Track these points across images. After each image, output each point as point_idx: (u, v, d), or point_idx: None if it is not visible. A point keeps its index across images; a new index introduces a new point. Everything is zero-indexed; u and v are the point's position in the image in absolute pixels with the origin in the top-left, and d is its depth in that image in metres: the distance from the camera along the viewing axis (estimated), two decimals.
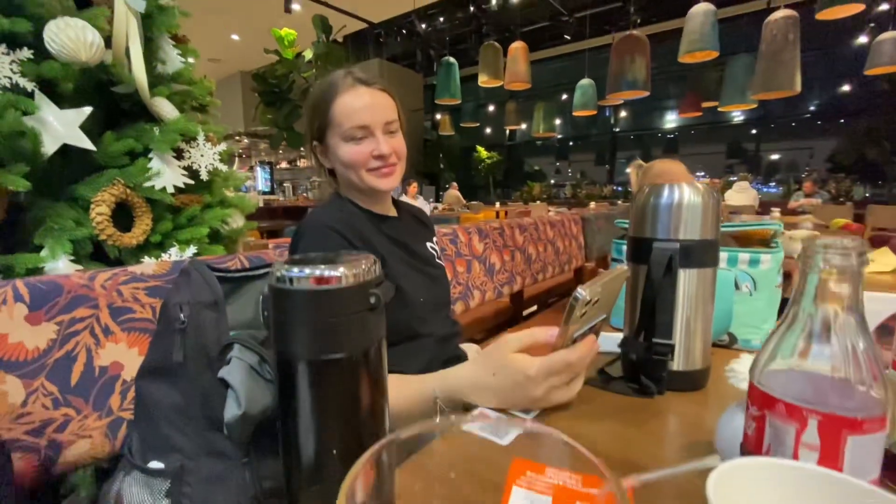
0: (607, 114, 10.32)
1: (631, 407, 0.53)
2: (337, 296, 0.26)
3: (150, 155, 1.07)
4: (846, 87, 7.70)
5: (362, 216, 0.83)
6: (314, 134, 0.83)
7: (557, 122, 9.26)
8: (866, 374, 0.24)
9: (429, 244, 0.96)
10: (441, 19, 8.35)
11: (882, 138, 6.64)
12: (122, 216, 1.04)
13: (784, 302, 0.78)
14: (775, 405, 0.25)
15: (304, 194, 10.50)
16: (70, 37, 0.90)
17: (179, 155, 1.17)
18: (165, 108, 1.12)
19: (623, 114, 10.44)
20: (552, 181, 11.78)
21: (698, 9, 4.17)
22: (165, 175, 1.07)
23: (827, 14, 3.45)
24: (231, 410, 0.51)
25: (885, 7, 5.43)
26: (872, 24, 5.94)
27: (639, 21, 7.09)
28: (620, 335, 0.64)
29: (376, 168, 0.80)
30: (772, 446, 0.25)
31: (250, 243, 1.09)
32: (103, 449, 0.67)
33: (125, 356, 0.69)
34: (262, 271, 0.83)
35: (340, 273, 0.26)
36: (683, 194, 0.54)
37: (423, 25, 8.43)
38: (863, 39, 6.30)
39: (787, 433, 0.24)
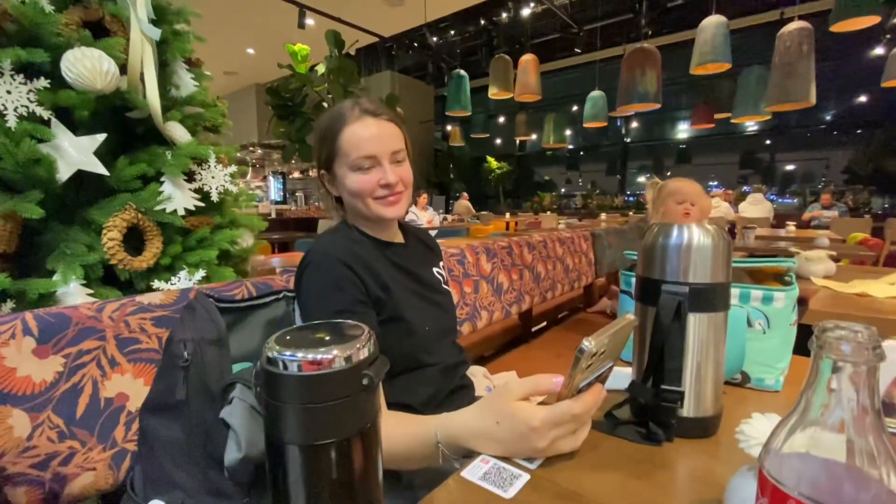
0: (618, 124, 10.28)
1: (638, 455, 0.51)
2: (329, 380, 0.26)
3: (162, 179, 1.09)
4: (863, 98, 7.57)
5: (368, 244, 0.83)
6: (322, 163, 0.84)
7: (568, 132, 9.25)
8: (882, 468, 0.22)
9: (435, 269, 0.96)
10: (452, 32, 8.44)
11: None
12: (133, 238, 1.05)
13: (800, 338, 0.76)
14: (787, 502, 0.24)
15: (316, 204, 10.60)
16: (87, 66, 0.92)
17: (191, 177, 1.18)
18: (178, 131, 1.14)
19: (634, 124, 10.39)
20: (562, 191, 11.74)
21: (710, 21, 4.15)
22: (176, 198, 1.09)
23: (841, 27, 3.40)
24: (232, 453, 0.50)
25: None
26: (889, 36, 5.85)
27: (650, 33, 7.09)
28: (629, 370, 0.63)
29: (383, 197, 0.80)
30: None
31: (257, 267, 1.10)
32: (107, 481, 0.67)
33: (130, 387, 0.70)
34: (268, 299, 0.84)
35: (333, 356, 0.26)
36: (693, 236, 0.53)
37: (435, 38, 8.53)
38: (879, 51, 6.20)
39: None
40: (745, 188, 8.48)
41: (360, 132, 0.78)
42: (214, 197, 1.22)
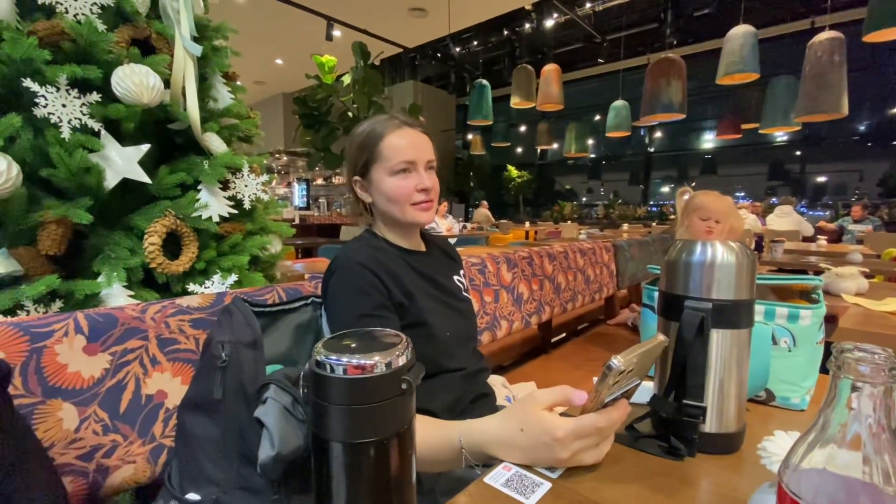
0: (642, 133, 10.17)
1: (660, 469, 0.52)
2: (372, 383, 0.28)
3: (199, 187, 1.15)
4: None
5: (392, 252, 0.86)
6: (358, 169, 0.88)
7: (590, 141, 9.20)
8: None
9: (456, 277, 0.98)
10: (475, 42, 8.52)
11: None
12: (171, 243, 1.11)
13: (827, 356, 0.75)
14: None
15: (338, 210, 10.78)
16: (135, 82, 0.99)
17: (225, 185, 1.24)
18: (215, 142, 1.20)
19: (658, 134, 10.26)
20: (583, 200, 11.64)
21: (738, 30, 4.09)
22: (212, 206, 1.14)
23: (874, 37, 3.31)
24: (265, 451, 0.53)
25: None
26: None
27: (674, 42, 7.02)
28: (651, 384, 0.63)
29: (419, 202, 0.85)
30: None
31: (286, 273, 1.14)
32: (144, 474, 0.70)
33: (169, 385, 0.74)
34: (298, 304, 0.87)
35: (375, 361, 0.28)
36: (716, 253, 0.53)
37: (458, 49, 8.63)
38: None
39: None
40: (772, 200, 8.25)
41: (401, 140, 0.84)
42: (247, 204, 1.27)
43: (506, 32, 7.96)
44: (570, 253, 1.90)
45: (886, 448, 0.24)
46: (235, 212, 1.23)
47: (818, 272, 2.30)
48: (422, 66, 9.76)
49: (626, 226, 6.97)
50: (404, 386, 0.29)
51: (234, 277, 1.14)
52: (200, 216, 1.13)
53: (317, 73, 4.47)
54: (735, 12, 4.72)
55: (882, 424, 0.24)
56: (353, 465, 0.28)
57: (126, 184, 1.04)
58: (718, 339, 0.53)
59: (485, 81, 5.66)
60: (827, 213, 8.18)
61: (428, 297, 0.85)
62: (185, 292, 1.11)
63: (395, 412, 0.29)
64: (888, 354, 0.24)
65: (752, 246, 3.02)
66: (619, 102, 5.80)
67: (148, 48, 1.11)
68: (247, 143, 1.48)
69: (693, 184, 9.82)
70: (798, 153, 8.80)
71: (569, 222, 8.28)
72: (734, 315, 0.53)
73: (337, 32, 5.95)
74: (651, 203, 10.10)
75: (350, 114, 4.29)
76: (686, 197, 1.84)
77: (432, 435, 0.59)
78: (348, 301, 0.75)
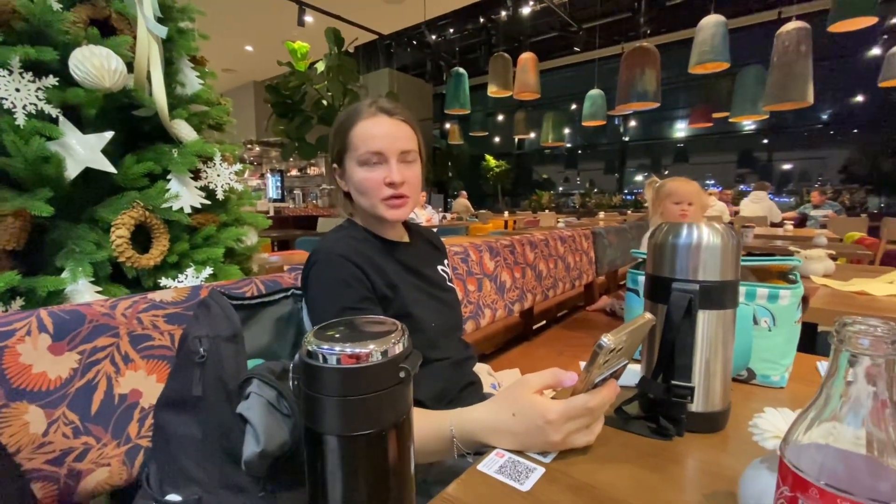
0: (616, 123, 10.31)
1: (649, 449, 0.52)
2: (368, 373, 0.26)
3: (169, 177, 1.09)
4: (860, 98, 7.63)
5: (375, 243, 0.84)
6: (334, 157, 0.85)
7: (566, 131, 9.26)
8: None
9: (440, 267, 0.97)
10: (451, 30, 8.43)
11: None
12: (140, 236, 1.06)
13: (805, 335, 0.77)
14: (809, 489, 0.25)
15: (314, 202, 10.58)
16: (95, 65, 0.93)
17: (196, 175, 1.18)
18: (184, 129, 1.14)
19: (633, 123, 10.42)
20: (560, 190, 11.76)
21: (709, 20, 4.15)
22: (183, 196, 1.09)
23: (839, 27, 3.42)
24: (250, 448, 0.51)
25: None
26: (886, 37, 5.88)
27: (648, 32, 7.10)
28: (637, 367, 0.64)
29: (388, 197, 0.80)
30: None
31: (264, 266, 1.10)
32: (120, 476, 0.67)
33: (143, 383, 0.70)
34: (278, 296, 0.84)
35: (371, 350, 0.27)
36: (703, 235, 0.54)
37: (434, 36, 8.52)
38: (876, 51, 6.23)
39: None
40: (742, 187, 8.53)
41: (371, 128, 0.79)
42: (220, 195, 1.23)
43: (482, 20, 7.90)
44: (550, 241, 1.91)
45: (889, 421, 0.24)
46: (208, 202, 1.19)
47: (783, 254, 2.39)
48: (397, 54, 9.61)
49: (602, 214, 7.08)
50: (402, 374, 0.28)
51: (208, 270, 1.10)
52: (171, 207, 1.08)
53: (289, 60, 4.33)
54: (706, 2, 4.79)
55: (883, 398, 0.24)
56: (349, 459, 0.27)
57: (89, 174, 0.98)
58: (705, 320, 0.54)
59: (462, 70, 5.60)
60: (792, 200, 8.51)
61: (413, 288, 0.83)
62: (157, 287, 1.06)
63: (393, 402, 0.28)
64: (890, 327, 0.24)
65: None
66: (594, 91, 5.84)
67: (108, 29, 1.05)
68: (218, 132, 1.42)
69: (666, 172, 10.05)
70: (765, 141, 9.09)
71: (547, 211, 8.36)
72: (720, 296, 0.54)
73: (309, 18, 5.78)
74: (626, 192, 10.29)
75: (324, 102, 4.19)
76: (656, 185, 1.89)
77: (422, 426, 0.58)
78: (330, 294, 0.73)
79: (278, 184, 10.81)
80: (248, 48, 7.94)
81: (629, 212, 7.80)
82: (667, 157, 10.36)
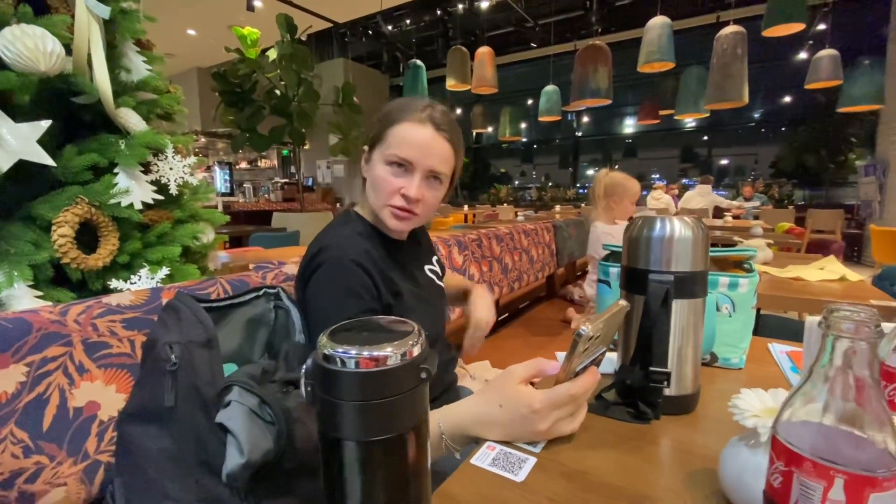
0: (570, 118, 10.61)
1: (629, 433, 0.55)
2: (389, 376, 0.26)
3: (116, 170, 1.01)
4: (788, 98, 8.32)
5: (378, 243, 0.81)
6: (369, 140, 0.81)
7: (523, 125, 9.43)
8: (882, 433, 0.26)
9: (428, 267, 0.95)
10: (408, 21, 8.32)
11: (819, 147, 7.19)
12: (86, 235, 0.97)
13: (758, 320, 0.84)
14: (803, 463, 0.27)
15: (266, 196, 10.17)
16: (28, 46, 0.84)
17: (147, 169, 1.10)
18: (132, 119, 1.06)
19: (585, 119, 10.77)
20: (516, 183, 11.98)
21: (655, 21, 4.35)
22: (133, 191, 1.02)
23: (772, 31, 3.69)
24: (233, 459, 0.49)
25: (822, 27, 5.89)
26: (811, 42, 6.42)
27: (599, 30, 7.33)
28: (613, 355, 0.67)
29: (396, 206, 0.77)
30: (799, 501, 0.27)
31: (229, 265, 1.04)
32: (79, 496, 0.62)
33: (102, 395, 0.65)
34: (249, 297, 0.80)
35: (390, 352, 0.26)
36: (675, 228, 0.56)
37: (390, 27, 8.38)
38: (803, 55, 6.78)
39: (814, 490, 0.26)
40: (684, 181, 9.05)
41: (412, 133, 0.75)
42: (173, 189, 1.15)
43: (439, 12, 7.85)
44: (515, 234, 1.95)
45: (871, 398, 0.26)
46: (161, 198, 1.11)
47: (727, 245, 2.57)
48: (352, 44, 9.36)
49: (558, 207, 7.29)
50: (423, 375, 0.27)
51: (164, 271, 1.03)
52: (119, 203, 1.00)
53: (238, 46, 4.11)
54: (653, 3, 5.01)
55: (866, 379, 0.26)
56: (368, 464, 0.26)
57: (23, 167, 0.89)
58: (678, 309, 0.57)
59: (419, 62, 5.55)
60: (728, 193, 9.15)
61: (413, 296, 0.82)
62: (107, 290, 0.98)
63: (413, 405, 0.27)
64: (871, 313, 0.26)
65: None
66: (549, 87, 5.97)
67: (40, 7, 0.95)
68: (167, 121, 1.33)
69: (616, 167, 10.49)
70: (705, 138, 9.69)
71: (505, 205, 8.50)
72: (692, 286, 0.57)
73: (258, 3, 5.51)
74: (580, 185, 10.64)
75: (277, 91, 4.02)
76: (608, 180, 1.99)
77: None
78: (336, 301, 0.71)
79: (227, 177, 10.29)
80: (191, 32, 7.46)
81: (583, 205, 8.08)
82: (617, 153, 10.82)
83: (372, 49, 9.73)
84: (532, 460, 0.49)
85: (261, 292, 0.82)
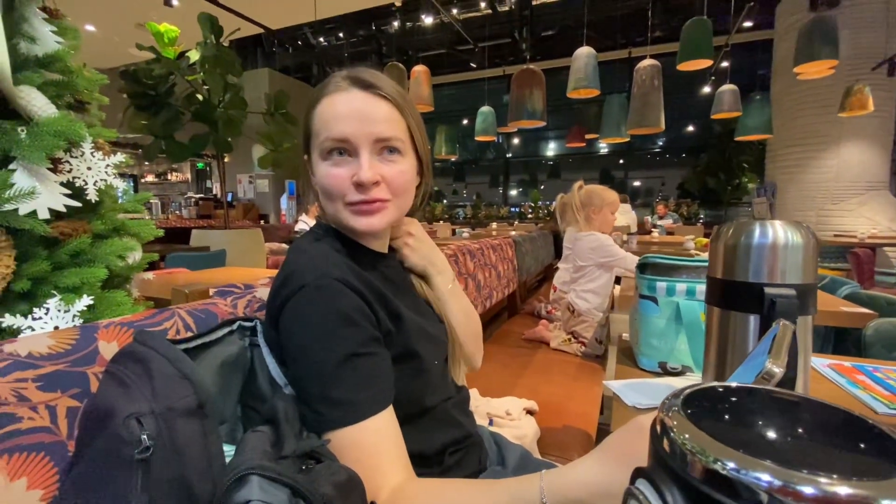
0: (499, 140, 11.02)
1: None
2: None
3: (13, 166, 0.75)
4: (691, 127, 9.43)
5: (362, 257, 0.64)
6: (304, 146, 0.64)
7: (456, 145, 9.57)
8: None
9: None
10: (340, 34, 8.13)
11: (719, 171, 8.14)
12: None
13: None
14: None
15: (177, 212, 9.18)
16: None
17: (56, 167, 0.84)
18: (37, 101, 0.81)
19: (515, 140, 11.25)
20: (445, 202, 12.12)
21: (582, 51, 4.65)
22: (39, 195, 0.76)
23: (685, 66, 4.10)
24: None
25: (724, 64, 6.74)
26: (714, 77, 7.32)
27: (528, 57, 7.73)
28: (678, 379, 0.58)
29: (355, 202, 0.58)
30: None
31: (186, 292, 0.81)
32: None
33: (3, 495, 0.42)
34: (220, 333, 0.60)
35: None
36: (788, 234, 0.49)
37: (321, 39, 8.12)
38: (707, 89, 7.70)
39: None
40: None
41: (335, 106, 0.57)
42: (92, 195, 0.90)
43: (374, 28, 7.76)
44: (485, 249, 1.85)
45: None
46: (77, 204, 0.85)
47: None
48: (278, 54, 8.92)
49: (494, 224, 7.41)
50: None
51: (86, 300, 0.77)
52: (17, 210, 0.74)
53: (152, 44, 3.65)
54: (575, 36, 5.37)
55: None
56: None
57: None
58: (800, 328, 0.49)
59: None
60: (636, 213, 10.05)
61: (414, 319, 0.64)
62: None
63: None
64: None
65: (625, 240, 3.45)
66: (486, 108, 6.11)
67: None
68: (78, 113, 1.06)
69: (542, 187, 11.04)
70: (621, 161, 10.58)
71: (441, 222, 8.48)
72: (806, 300, 0.49)
73: (175, 1, 5.03)
74: (510, 205, 11.02)
75: (200, 96, 3.62)
76: (583, 192, 2.00)
77: (490, 497, 0.43)
78: (328, 335, 0.51)
79: (131, 190, 9.17)
80: (90, 28, 6.61)
81: (515, 223, 8.31)
82: (542, 174, 11.41)
83: (301, 61, 9.36)
84: None
85: (234, 326, 0.62)
